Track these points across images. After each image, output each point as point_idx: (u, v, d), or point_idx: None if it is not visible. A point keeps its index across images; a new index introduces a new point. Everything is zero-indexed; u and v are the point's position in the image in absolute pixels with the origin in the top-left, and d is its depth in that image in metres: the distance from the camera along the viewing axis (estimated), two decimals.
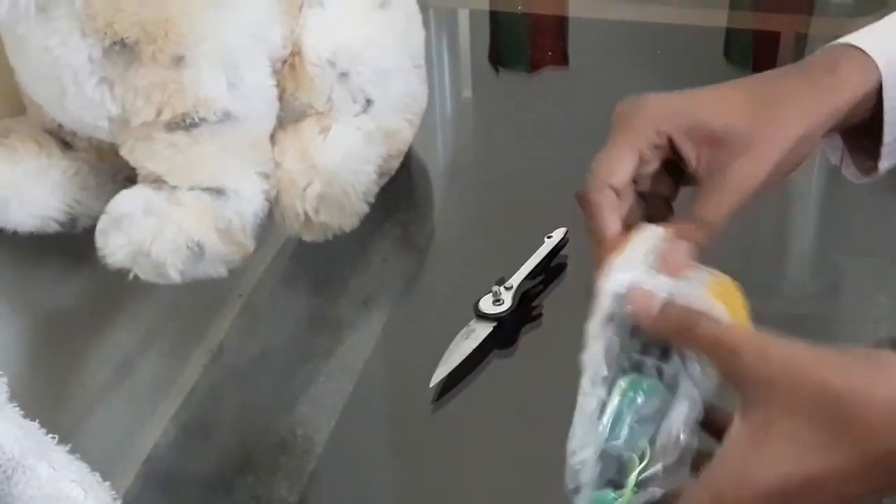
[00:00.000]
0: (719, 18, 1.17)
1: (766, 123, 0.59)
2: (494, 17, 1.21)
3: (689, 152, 0.60)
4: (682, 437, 0.53)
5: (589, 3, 1.24)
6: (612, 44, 1.12)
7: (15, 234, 0.83)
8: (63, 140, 0.84)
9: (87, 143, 0.83)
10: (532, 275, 0.79)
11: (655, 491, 0.53)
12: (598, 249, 0.59)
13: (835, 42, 0.63)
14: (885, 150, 0.64)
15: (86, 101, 0.76)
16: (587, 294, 0.56)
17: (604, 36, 1.16)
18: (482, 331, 0.75)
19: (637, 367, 0.55)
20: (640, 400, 0.54)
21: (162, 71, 0.74)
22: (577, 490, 0.54)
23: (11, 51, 0.78)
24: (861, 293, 0.80)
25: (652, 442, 0.54)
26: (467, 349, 0.74)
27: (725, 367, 0.51)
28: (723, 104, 0.60)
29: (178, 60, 0.75)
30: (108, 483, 0.60)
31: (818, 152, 0.66)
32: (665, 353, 0.55)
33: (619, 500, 0.53)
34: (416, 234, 0.91)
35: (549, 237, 0.81)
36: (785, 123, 0.60)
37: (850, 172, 0.68)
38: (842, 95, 0.61)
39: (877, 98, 0.62)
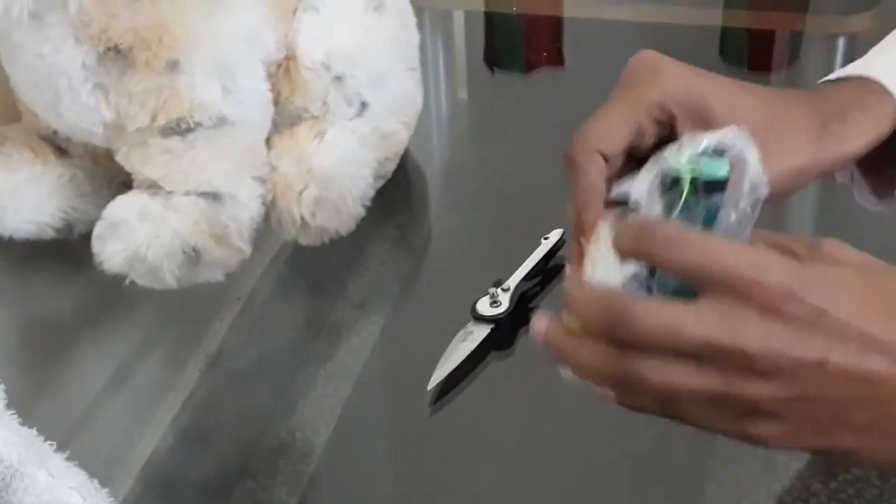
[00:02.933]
0: (714, 17, 1.17)
1: (767, 146, 0.54)
2: (489, 18, 1.21)
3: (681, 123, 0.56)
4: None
5: (584, 4, 1.24)
6: (607, 44, 1.12)
7: (11, 240, 0.83)
8: (58, 146, 0.84)
9: (82, 149, 0.83)
10: (529, 276, 0.79)
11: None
12: (575, 220, 0.56)
13: (853, 70, 0.60)
14: None
15: (81, 108, 0.76)
16: None
17: (599, 36, 1.16)
18: (480, 333, 0.75)
19: None
20: None
21: (156, 77, 0.75)
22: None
23: (6, 58, 0.78)
24: None
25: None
26: (465, 351, 0.74)
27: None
28: (736, 102, 0.57)
29: (173, 66, 0.75)
30: (106, 489, 0.60)
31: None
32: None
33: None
34: (413, 236, 0.91)
35: (545, 238, 0.81)
36: (785, 155, 0.56)
37: (865, 198, 0.65)
38: (854, 143, 0.58)
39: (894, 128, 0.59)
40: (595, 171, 0.55)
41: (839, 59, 1.10)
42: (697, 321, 0.46)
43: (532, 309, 0.78)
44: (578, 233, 0.56)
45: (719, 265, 0.46)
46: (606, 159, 0.55)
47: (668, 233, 0.48)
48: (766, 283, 0.45)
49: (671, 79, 0.56)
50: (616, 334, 0.47)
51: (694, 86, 0.57)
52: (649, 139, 0.57)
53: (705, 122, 0.55)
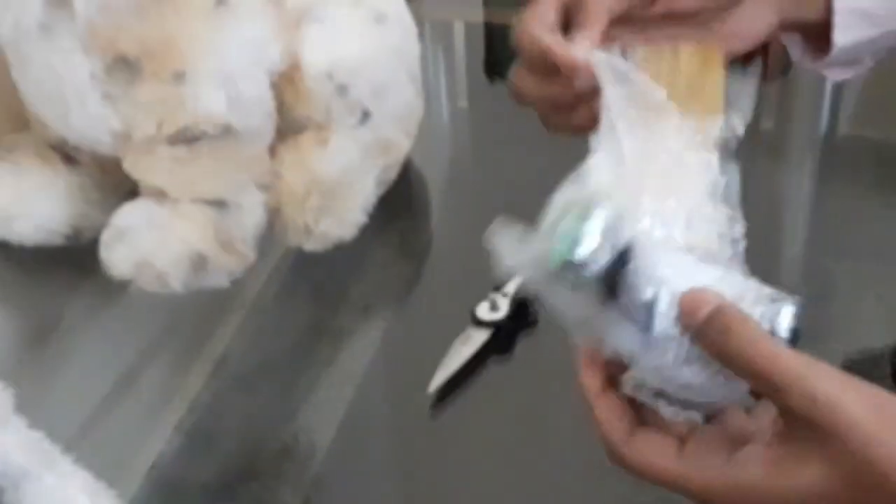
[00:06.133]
0: None
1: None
2: (489, 29, 1.21)
3: None
4: None
5: None
6: None
7: (21, 246, 0.84)
8: (67, 155, 0.84)
9: (90, 157, 0.84)
10: None
11: None
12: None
13: None
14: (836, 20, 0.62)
15: (89, 117, 0.77)
16: None
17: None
18: (479, 337, 0.76)
19: None
20: None
21: (163, 87, 0.75)
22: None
23: (15, 68, 0.79)
24: (851, 297, 0.80)
25: None
26: (465, 355, 0.75)
27: (770, 397, 0.48)
28: None
29: (179, 76, 0.75)
30: (113, 491, 0.61)
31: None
32: None
33: None
34: (414, 242, 0.91)
35: None
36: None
37: (802, 59, 0.67)
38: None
39: None
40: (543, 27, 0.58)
41: None
42: None
43: (531, 314, 0.79)
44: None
45: None
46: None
47: None
48: None
49: None
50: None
51: None
52: None
53: None
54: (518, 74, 0.62)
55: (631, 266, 0.48)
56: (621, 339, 0.49)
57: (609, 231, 0.47)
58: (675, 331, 0.49)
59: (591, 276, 0.47)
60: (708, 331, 0.48)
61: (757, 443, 0.48)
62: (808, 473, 0.46)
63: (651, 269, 0.48)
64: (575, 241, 0.47)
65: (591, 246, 0.47)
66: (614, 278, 0.48)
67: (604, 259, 0.47)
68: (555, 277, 0.48)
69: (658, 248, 0.50)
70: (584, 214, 0.47)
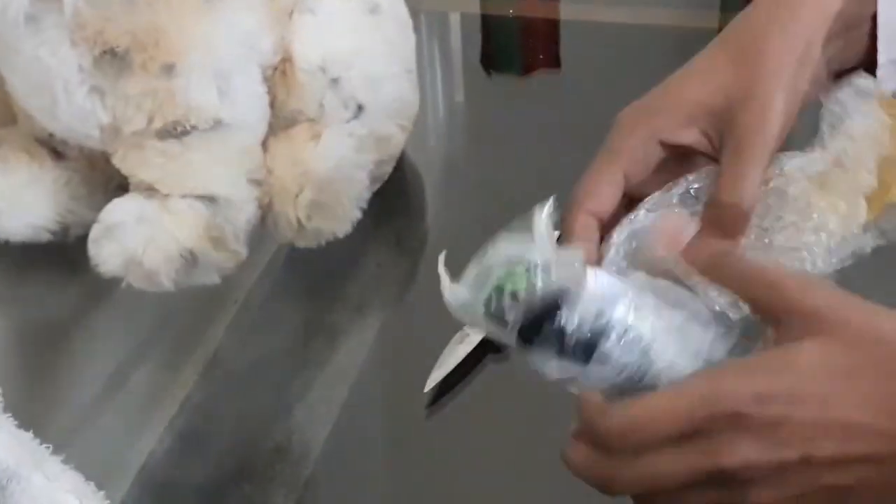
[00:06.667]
0: (711, 19, 1.17)
1: (751, 65, 0.55)
2: (486, 20, 1.21)
3: (697, 142, 0.56)
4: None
5: (580, 6, 1.24)
6: (603, 46, 1.12)
7: (7, 243, 0.83)
8: (54, 149, 0.84)
9: (78, 152, 0.83)
10: None
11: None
12: None
13: None
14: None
15: (77, 111, 0.76)
16: None
17: (595, 38, 1.16)
18: (476, 336, 0.75)
19: None
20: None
21: (152, 80, 0.75)
22: None
23: (2, 61, 0.78)
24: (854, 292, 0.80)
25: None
26: (461, 354, 0.74)
27: (762, 300, 0.49)
28: (707, 78, 0.56)
29: (169, 69, 0.75)
30: (103, 492, 0.60)
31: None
32: None
33: None
34: (410, 238, 0.91)
35: None
36: (771, 53, 0.55)
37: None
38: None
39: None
40: (583, 228, 0.57)
41: None
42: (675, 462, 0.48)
43: None
44: None
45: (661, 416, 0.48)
46: (599, 219, 0.57)
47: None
48: (716, 411, 0.46)
49: (635, 117, 0.57)
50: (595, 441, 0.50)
51: (660, 107, 0.57)
52: (645, 173, 0.57)
53: (699, 118, 0.56)
54: None
55: (548, 325, 0.50)
56: (557, 370, 0.52)
57: (531, 289, 0.50)
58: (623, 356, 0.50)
59: (512, 330, 0.50)
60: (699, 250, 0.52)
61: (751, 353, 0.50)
62: (809, 347, 0.47)
63: (585, 313, 0.50)
64: (497, 298, 0.50)
65: (509, 304, 0.50)
66: (532, 334, 0.50)
67: (523, 314, 0.50)
68: (484, 323, 0.51)
69: (597, 294, 0.51)
70: (511, 271, 0.50)
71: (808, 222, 0.55)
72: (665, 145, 0.57)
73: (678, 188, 0.56)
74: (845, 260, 0.56)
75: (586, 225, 0.56)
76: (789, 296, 0.48)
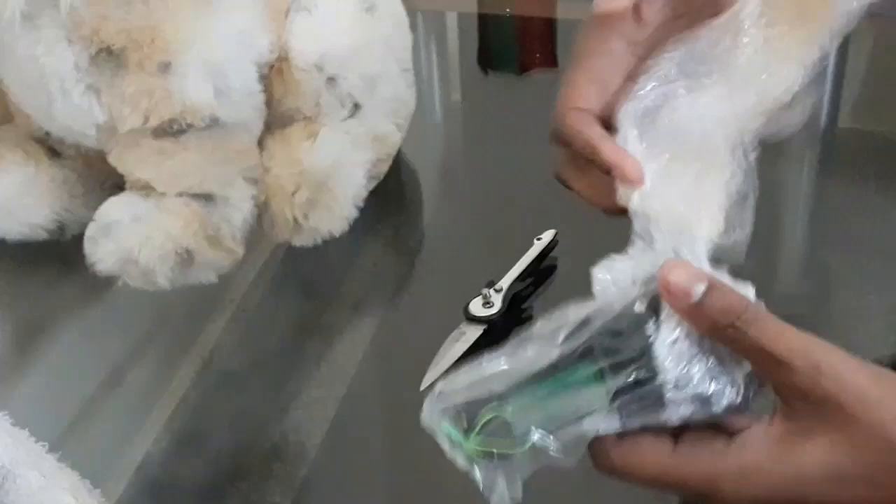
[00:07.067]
0: None
1: None
2: (482, 19, 1.21)
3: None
4: None
5: (577, 5, 1.24)
6: None
7: (3, 242, 0.83)
8: (50, 148, 0.83)
9: (74, 150, 0.83)
10: (522, 277, 0.79)
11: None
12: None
13: None
14: None
15: (73, 109, 0.76)
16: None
17: None
18: (472, 333, 0.75)
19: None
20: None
21: (148, 78, 0.74)
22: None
23: None
24: (851, 291, 0.80)
25: None
26: (458, 352, 0.74)
27: (771, 378, 0.48)
28: None
29: (165, 67, 0.74)
30: (98, 490, 0.60)
31: None
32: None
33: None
34: (406, 237, 0.91)
35: (538, 239, 0.81)
36: None
37: None
38: None
39: None
40: (579, 125, 0.57)
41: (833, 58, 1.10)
42: None
43: (525, 310, 0.78)
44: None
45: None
46: (591, 113, 0.58)
47: None
48: None
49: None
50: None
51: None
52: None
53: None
54: (562, 166, 0.62)
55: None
56: None
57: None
58: None
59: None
60: (707, 311, 0.47)
61: (756, 427, 0.48)
62: (815, 447, 0.46)
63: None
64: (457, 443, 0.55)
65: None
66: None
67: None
68: None
69: None
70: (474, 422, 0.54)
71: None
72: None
73: (668, 61, 0.56)
74: None
75: (579, 118, 0.57)
76: (798, 380, 0.46)
